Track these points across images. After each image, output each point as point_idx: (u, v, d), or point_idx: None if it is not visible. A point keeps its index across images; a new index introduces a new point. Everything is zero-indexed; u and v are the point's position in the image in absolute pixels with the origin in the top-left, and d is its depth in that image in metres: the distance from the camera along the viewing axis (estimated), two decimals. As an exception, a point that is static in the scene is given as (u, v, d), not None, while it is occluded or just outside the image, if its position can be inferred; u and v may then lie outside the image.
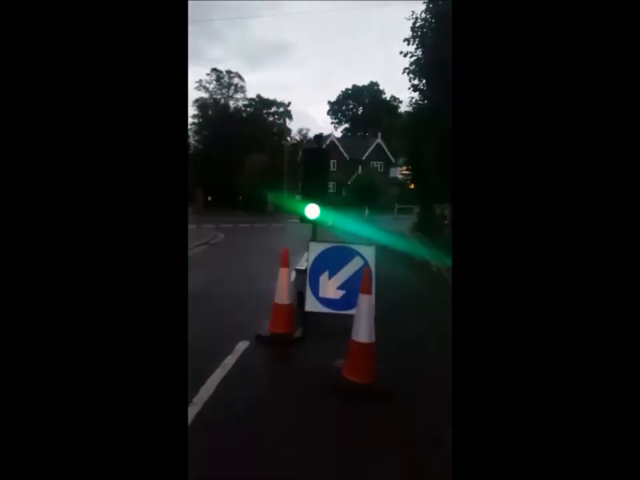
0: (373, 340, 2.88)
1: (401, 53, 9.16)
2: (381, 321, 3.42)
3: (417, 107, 10.90)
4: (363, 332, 2.86)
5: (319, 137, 5.24)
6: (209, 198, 25.45)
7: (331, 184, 29.38)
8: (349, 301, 3.67)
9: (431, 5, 8.67)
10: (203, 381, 2.78)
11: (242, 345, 3.51)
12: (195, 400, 2.53)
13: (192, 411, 2.40)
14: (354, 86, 47.02)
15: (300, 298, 4.01)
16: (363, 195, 26.67)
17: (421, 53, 9.06)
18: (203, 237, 11.22)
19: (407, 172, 18.31)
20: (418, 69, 9.20)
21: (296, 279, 4.50)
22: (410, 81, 9.51)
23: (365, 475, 1.99)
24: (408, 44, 9.06)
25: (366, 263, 3.74)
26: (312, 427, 2.36)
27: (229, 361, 3.20)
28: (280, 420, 2.44)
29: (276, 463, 2.03)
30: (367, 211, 22.86)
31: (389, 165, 34.10)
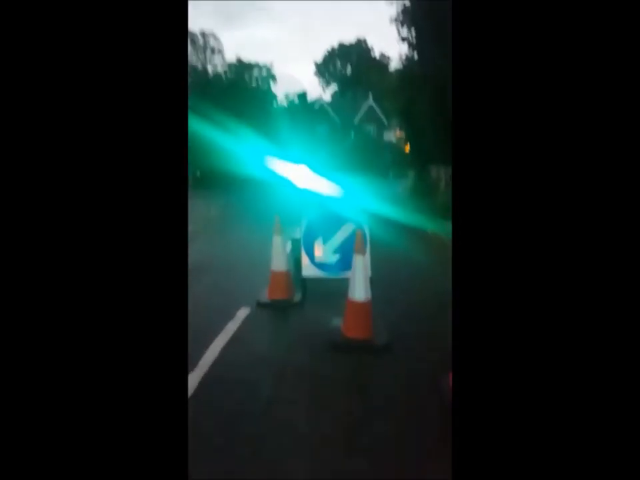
0: (369, 298, 2.97)
1: None
2: (377, 282, 3.51)
3: (408, 62, 10.52)
4: (358, 291, 2.94)
5: (303, 96, 5.05)
6: (198, 173, 24.84)
7: (323, 151, 28.82)
8: (344, 264, 3.73)
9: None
10: (206, 346, 2.88)
11: (243, 312, 3.61)
12: (200, 363, 2.64)
13: (197, 374, 2.51)
14: (340, 44, 45.07)
15: (297, 265, 4.07)
16: (357, 161, 26.28)
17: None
18: (196, 211, 11.12)
19: (401, 134, 17.93)
20: (406, 18, 8.77)
21: (292, 246, 4.55)
22: (399, 33, 9.11)
23: (367, 422, 2.12)
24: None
25: (359, 226, 3.77)
26: (315, 380, 2.48)
27: (231, 326, 3.30)
28: (285, 377, 2.56)
29: (284, 418, 2.16)
30: (361, 177, 22.62)
31: (382, 128, 33.37)
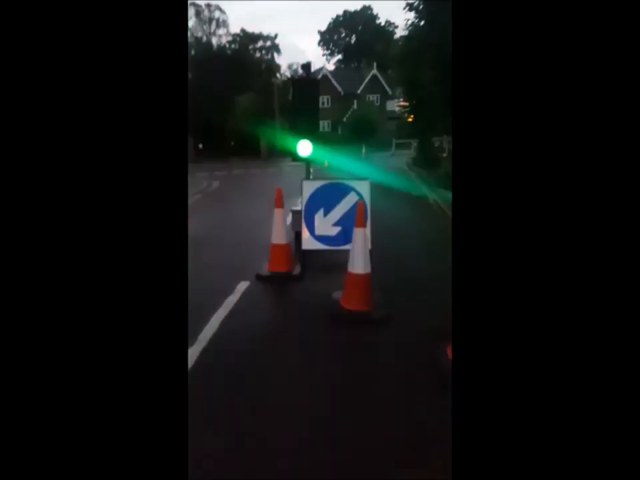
0: (369, 271, 2.94)
1: None
2: (377, 255, 3.47)
3: (414, 29, 10.08)
4: (358, 263, 2.91)
5: (307, 66, 4.92)
6: (200, 146, 24.62)
7: (325, 122, 28.26)
8: (345, 236, 3.68)
9: None
10: (207, 320, 2.89)
11: (243, 285, 3.60)
12: (200, 337, 2.65)
13: (197, 348, 2.52)
14: (345, 12, 43.26)
15: (297, 238, 4.03)
16: (360, 132, 25.73)
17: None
18: (198, 185, 11.06)
19: (405, 104, 17.47)
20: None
21: (292, 220, 4.49)
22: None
23: (366, 397, 2.13)
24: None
25: (360, 198, 3.69)
26: (316, 354, 2.49)
27: (231, 299, 3.30)
28: (285, 351, 2.57)
29: (285, 393, 2.17)
30: (364, 149, 22.25)
31: (385, 97, 32.45)
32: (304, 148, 4.05)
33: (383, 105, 32.22)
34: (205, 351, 2.50)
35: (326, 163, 14.95)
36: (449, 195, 5.92)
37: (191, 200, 8.79)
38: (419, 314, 2.99)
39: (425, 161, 13.72)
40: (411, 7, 8.97)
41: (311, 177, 4.39)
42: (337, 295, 3.11)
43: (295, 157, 4.11)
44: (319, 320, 2.90)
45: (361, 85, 32.45)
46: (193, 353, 2.46)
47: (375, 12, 42.72)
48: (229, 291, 3.45)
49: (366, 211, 3.50)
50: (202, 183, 11.57)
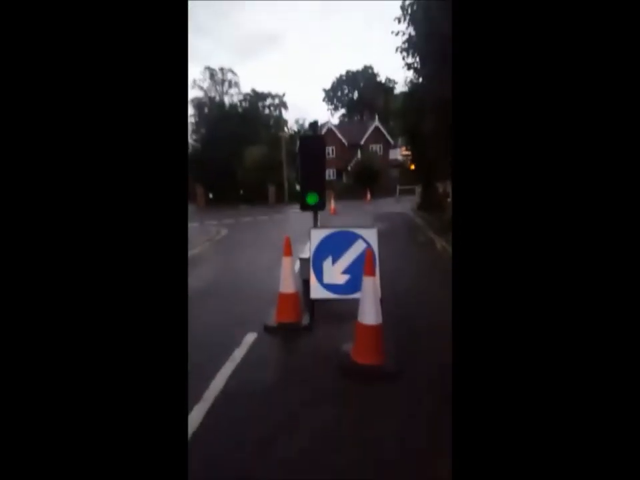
0: (380, 321, 2.85)
1: (392, 32, 9.00)
2: (386, 302, 3.39)
3: (412, 86, 10.70)
4: (368, 314, 2.83)
5: (314, 125, 5.19)
6: (210, 195, 25.50)
7: (330, 170, 29.20)
8: (354, 284, 3.63)
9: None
10: (212, 376, 2.77)
11: (250, 337, 3.50)
12: (205, 396, 2.52)
13: (202, 407, 2.39)
14: (348, 71, 46.30)
15: (305, 286, 3.98)
16: (364, 179, 26.45)
17: (412, 30, 8.87)
18: (207, 233, 11.23)
19: (407, 152, 18.11)
20: (410, 47, 9.04)
21: (300, 268, 4.47)
22: (404, 60, 9.35)
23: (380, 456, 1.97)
24: (399, 22, 8.90)
25: (368, 246, 3.69)
26: (323, 409, 2.34)
27: (238, 353, 3.19)
28: (293, 407, 2.42)
29: (291, 451, 2.02)
30: (369, 194, 22.73)
31: (388, 147, 33.70)
32: (311, 199, 4.16)
33: (385, 153, 33.39)
34: (210, 409, 2.37)
35: (332, 209, 15.16)
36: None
37: (199, 248, 8.88)
38: (431, 367, 2.84)
39: (430, 206, 13.91)
40: (409, 67, 9.59)
41: (318, 224, 4.44)
42: (347, 347, 3.00)
43: (304, 207, 4.20)
44: (328, 375, 2.77)
45: (364, 136, 33.88)
46: (198, 412, 2.33)
47: (375, 71, 45.76)
48: (236, 343, 3.35)
49: (375, 258, 3.48)
50: (211, 231, 11.76)
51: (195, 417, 2.28)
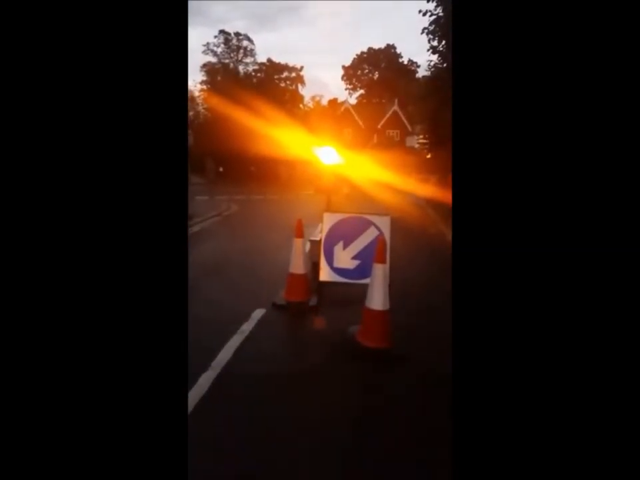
0: (387, 307, 2.90)
1: (420, 11, 8.67)
2: (395, 290, 3.43)
3: (436, 71, 10.41)
4: (377, 300, 2.88)
5: (333, 102, 5.05)
6: (221, 169, 25.22)
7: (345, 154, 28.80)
8: (363, 270, 3.67)
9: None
10: (220, 347, 2.87)
11: (258, 313, 3.59)
12: (212, 364, 2.63)
13: (209, 376, 2.49)
14: (369, 49, 44.96)
15: (315, 268, 4.04)
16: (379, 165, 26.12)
17: (441, 10, 8.53)
18: (216, 208, 11.24)
19: (425, 140, 17.77)
20: (438, 29, 8.72)
21: (310, 250, 4.51)
22: (429, 42, 9.05)
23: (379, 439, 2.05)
24: (427, 1, 8.55)
25: (380, 233, 3.71)
26: (327, 391, 2.43)
27: (246, 327, 3.28)
28: (297, 385, 2.52)
29: (295, 429, 2.12)
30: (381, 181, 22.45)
31: (405, 133, 33.08)
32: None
33: (402, 140, 32.80)
34: (218, 377, 2.48)
35: (345, 191, 15.01)
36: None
37: (208, 222, 8.95)
38: (436, 353, 2.90)
39: (444, 196, 13.76)
40: (434, 50, 9.30)
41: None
42: (354, 329, 3.07)
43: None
44: (334, 355, 2.85)
45: (381, 120, 33.25)
46: (206, 379, 2.44)
47: (398, 51, 44.41)
48: (245, 317, 3.45)
49: (386, 246, 3.50)
50: (220, 206, 11.78)
51: (203, 383, 2.39)
